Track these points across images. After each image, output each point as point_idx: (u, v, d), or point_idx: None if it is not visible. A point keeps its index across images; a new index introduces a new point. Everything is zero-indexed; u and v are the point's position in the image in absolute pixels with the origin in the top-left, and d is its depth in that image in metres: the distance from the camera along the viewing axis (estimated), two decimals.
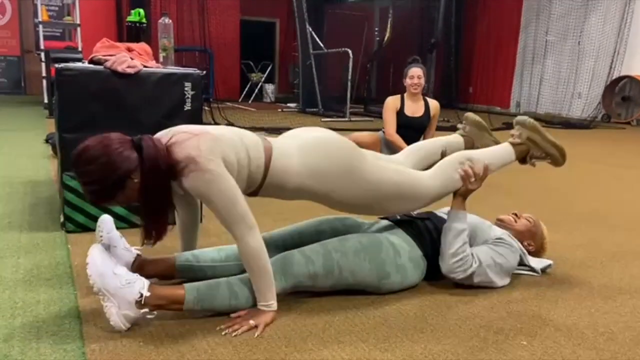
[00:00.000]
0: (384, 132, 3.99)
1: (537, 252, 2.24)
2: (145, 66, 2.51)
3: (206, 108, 7.53)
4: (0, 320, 1.60)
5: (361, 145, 2.52)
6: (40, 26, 8.63)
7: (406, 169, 2.03)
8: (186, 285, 1.65)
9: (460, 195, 2.00)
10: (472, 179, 1.96)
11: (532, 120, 2.12)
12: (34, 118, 7.09)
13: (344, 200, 1.84)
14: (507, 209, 2.35)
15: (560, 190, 3.77)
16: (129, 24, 3.00)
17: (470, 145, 2.37)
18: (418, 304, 1.84)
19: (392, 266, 1.87)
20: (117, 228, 1.84)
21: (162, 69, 2.56)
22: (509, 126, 8.53)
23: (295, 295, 1.81)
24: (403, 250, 1.91)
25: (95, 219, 2.44)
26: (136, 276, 1.59)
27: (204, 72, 2.65)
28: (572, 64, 10.04)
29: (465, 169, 1.96)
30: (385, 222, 2.07)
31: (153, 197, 1.58)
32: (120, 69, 2.40)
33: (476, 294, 1.93)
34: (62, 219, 2.49)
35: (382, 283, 1.86)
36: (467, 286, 1.95)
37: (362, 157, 1.86)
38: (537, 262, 2.17)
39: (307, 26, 9.32)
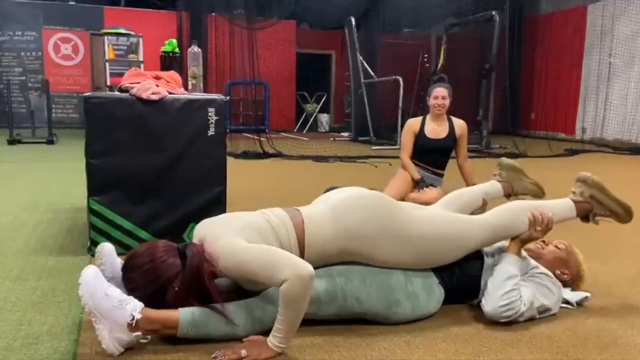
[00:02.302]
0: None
1: (574, 281, 2.04)
2: (170, 93, 2.55)
3: (258, 138, 7.66)
4: (1, 341, 1.62)
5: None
6: (107, 64, 9.19)
7: (450, 214, 1.97)
8: (180, 309, 1.60)
9: (520, 240, 1.89)
10: (539, 228, 1.87)
11: (594, 177, 1.98)
12: None
13: (389, 259, 1.77)
14: (556, 238, 2.16)
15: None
16: (163, 54, 3.09)
17: (509, 190, 2.32)
18: (430, 336, 1.71)
19: (402, 293, 1.75)
20: (118, 254, 1.81)
21: (186, 95, 2.59)
22: (571, 152, 8.13)
23: None
24: (415, 276, 1.79)
25: (121, 243, 2.50)
26: (129, 298, 1.56)
27: (227, 98, 2.66)
28: (639, 87, 9.48)
29: (535, 214, 1.87)
30: None
31: (197, 292, 1.59)
32: (144, 95, 2.45)
33: (491, 327, 1.77)
34: (88, 244, 2.53)
35: (392, 312, 1.74)
36: (484, 319, 1.80)
37: (399, 209, 1.80)
38: (572, 295, 1.97)
39: (359, 55, 9.35)
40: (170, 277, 1.58)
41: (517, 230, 1.90)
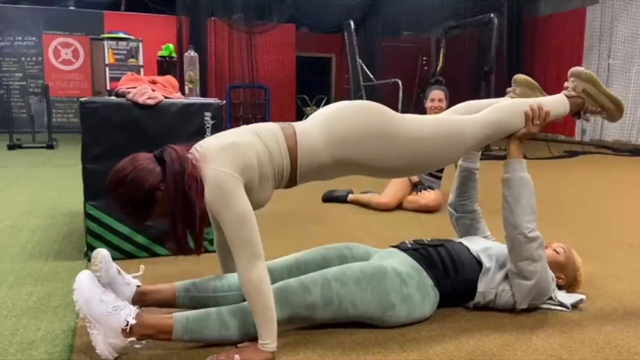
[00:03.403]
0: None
1: (570, 286, 2.04)
2: (166, 97, 2.56)
3: None
4: None
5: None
6: (107, 68, 9.21)
7: (441, 115, 1.96)
8: (175, 314, 1.60)
9: (517, 138, 1.89)
10: (537, 122, 1.87)
11: (588, 71, 1.98)
12: None
13: (385, 165, 1.75)
14: (551, 239, 2.16)
15: (615, 220, 3.48)
16: (160, 58, 3.10)
17: None
18: (424, 339, 1.70)
19: (398, 297, 1.75)
20: (114, 259, 1.81)
21: (182, 100, 2.60)
22: (571, 154, 8.11)
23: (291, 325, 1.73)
24: (411, 279, 1.79)
25: (117, 248, 2.50)
26: (124, 303, 1.57)
27: (224, 102, 2.67)
28: (639, 88, 9.47)
29: (534, 107, 1.87)
30: (394, 251, 1.96)
31: (182, 203, 1.53)
32: (141, 100, 2.46)
33: (486, 330, 1.76)
34: (85, 248, 2.54)
35: (387, 315, 1.74)
36: (480, 322, 1.80)
37: (389, 112, 1.77)
38: (567, 297, 1.97)
39: (358, 59, 9.37)
40: (155, 183, 1.52)
41: (512, 127, 1.89)
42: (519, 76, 2.17)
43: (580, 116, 2.03)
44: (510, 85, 2.19)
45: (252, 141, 1.64)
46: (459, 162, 2.15)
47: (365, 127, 1.70)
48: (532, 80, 2.14)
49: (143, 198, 1.53)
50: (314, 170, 1.71)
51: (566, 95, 2.00)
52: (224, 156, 1.57)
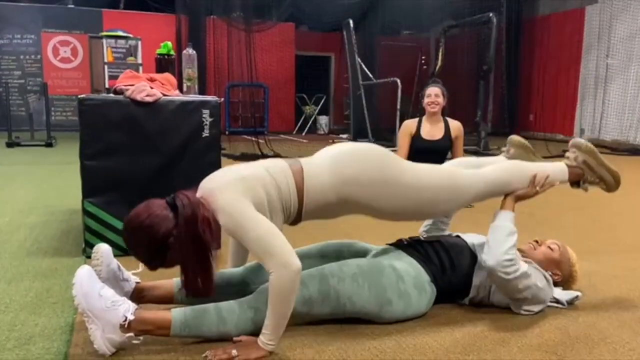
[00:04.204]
0: None
1: (566, 282, 2.05)
2: (165, 95, 2.57)
3: (256, 140, 7.66)
4: None
5: None
6: (106, 67, 9.21)
7: (447, 166, 2.01)
8: (173, 310, 1.61)
9: (515, 197, 1.93)
10: (539, 188, 1.92)
11: (588, 143, 2.03)
12: None
13: (389, 209, 1.78)
14: (548, 238, 2.17)
15: (612, 219, 3.49)
16: (158, 56, 3.10)
17: None
18: (420, 335, 1.71)
19: (394, 292, 1.76)
20: (115, 256, 1.82)
21: (180, 97, 2.60)
22: None
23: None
24: (407, 275, 1.80)
25: (115, 245, 2.49)
26: (123, 299, 1.57)
27: (222, 100, 2.68)
28: (637, 88, 9.49)
29: (539, 174, 1.92)
30: (391, 248, 1.97)
31: (193, 248, 1.53)
32: (139, 97, 2.46)
33: (482, 326, 1.78)
34: (83, 245, 2.54)
35: (384, 311, 1.75)
36: (476, 318, 1.81)
37: (396, 159, 1.82)
38: (563, 294, 1.98)
39: (357, 57, 9.37)
40: (169, 229, 1.52)
41: (512, 187, 1.94)
42: (514, 137, 2.23)
43: (579, 186, 2.07)
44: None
45: (261, 176, 1.65)
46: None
47: (373, 172, 1.74)
48: (526, 143, 2.22)
49: (157, 245, 1.53)
50: (320, 208, 1.73)
51: (567, 165, 2.04)
52: (235, 187, 1.59)
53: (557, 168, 2.03)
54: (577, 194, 2.06)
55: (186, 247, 1.53)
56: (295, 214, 1.73)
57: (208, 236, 1.53)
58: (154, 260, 1.57)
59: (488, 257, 1.80)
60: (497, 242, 1.81)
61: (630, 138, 9.56)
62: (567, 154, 2.07)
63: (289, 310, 1.54)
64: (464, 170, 1.94)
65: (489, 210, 1.95)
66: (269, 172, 1.68)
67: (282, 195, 1.67)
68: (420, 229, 2.22)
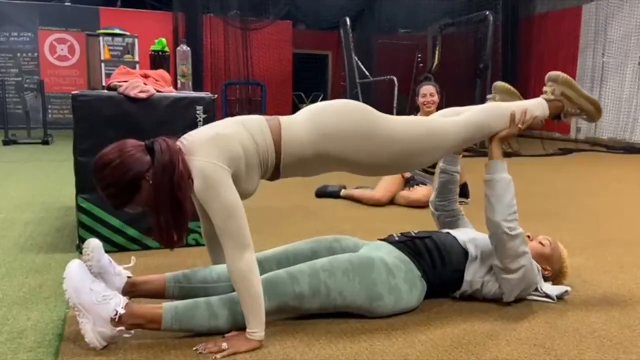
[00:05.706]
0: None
1: (556, 278, 2.06)
2: (158, 91, 2.57)
3: None
4: None
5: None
6: (102, 64, 9.21)
7: (424, 117, 2.00)
8: (164, 304, 1.62)
9: (499, 139, 1.93)
10: (520, 123, 1.92)
11: (564, 75, 2.03)
12: None
13: (366, 162, 1.78)
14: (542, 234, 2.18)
15: (605, 216, 3.51)
16: (153, 52, 3.11)
17: None
18: (410, 328, 1.73)
19: (385, 287, 1.77)
20: (106, 251, 1.82)
21: (173, 93, 2.61)
22: (565, 151, 8.14)
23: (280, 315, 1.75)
24: (398, 270, 1.81)
25: (109, 241, 2.51)
26: (114, 293, 1.58)
27: (215, 96, 2.68)
28: (633, 86, 9.51)
29: (518, 111, 1.92)
30: (382, 243, 1.98)
31: (167, 196, 1.53)
32: (132, 93, 2.47)
33: (472, 320, 1.79)
34: (77, 241, 2.55)
35: (374, 305, 1.77)
36: (466, 312, 1.82)
37: (374, 112, 1.82)
38: (553, 289, 1.99)
39: (354, 56, 9.38)
40: (142, 171, 1.53)
41: (492, 129, 1.93)
42: (499, 83, 2.23)
43: (560, 118, 2.07)
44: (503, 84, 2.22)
45: (238, 131, 1.65)
46: (439, 164, 2.18)
47: (350, 124, 1.73)
48: (512, 88, 2.21)
49: (127, 184, 1.53)
50: (298, 163, 1.73)
51: (545, 99, 2.03)
52: (211, 147, 1.58)
53: (535, 102, 2.02)
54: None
55: (161, 193, 1.53)
56: (272, 169, 1.73)
57: (185, 185, 1.53)
58: (121, 198, 1.56)
59: (492, 214, 1.83)
60: (499, 197, 1.84)
61: (627, 136, 9.58)
62: (544, 89, 2.06)
63: (257, 292, 1.55)
64: (442, 119, 1.94)
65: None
66: (245, 126, 1.68)
67: (259, 148, 1.67)
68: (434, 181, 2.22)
